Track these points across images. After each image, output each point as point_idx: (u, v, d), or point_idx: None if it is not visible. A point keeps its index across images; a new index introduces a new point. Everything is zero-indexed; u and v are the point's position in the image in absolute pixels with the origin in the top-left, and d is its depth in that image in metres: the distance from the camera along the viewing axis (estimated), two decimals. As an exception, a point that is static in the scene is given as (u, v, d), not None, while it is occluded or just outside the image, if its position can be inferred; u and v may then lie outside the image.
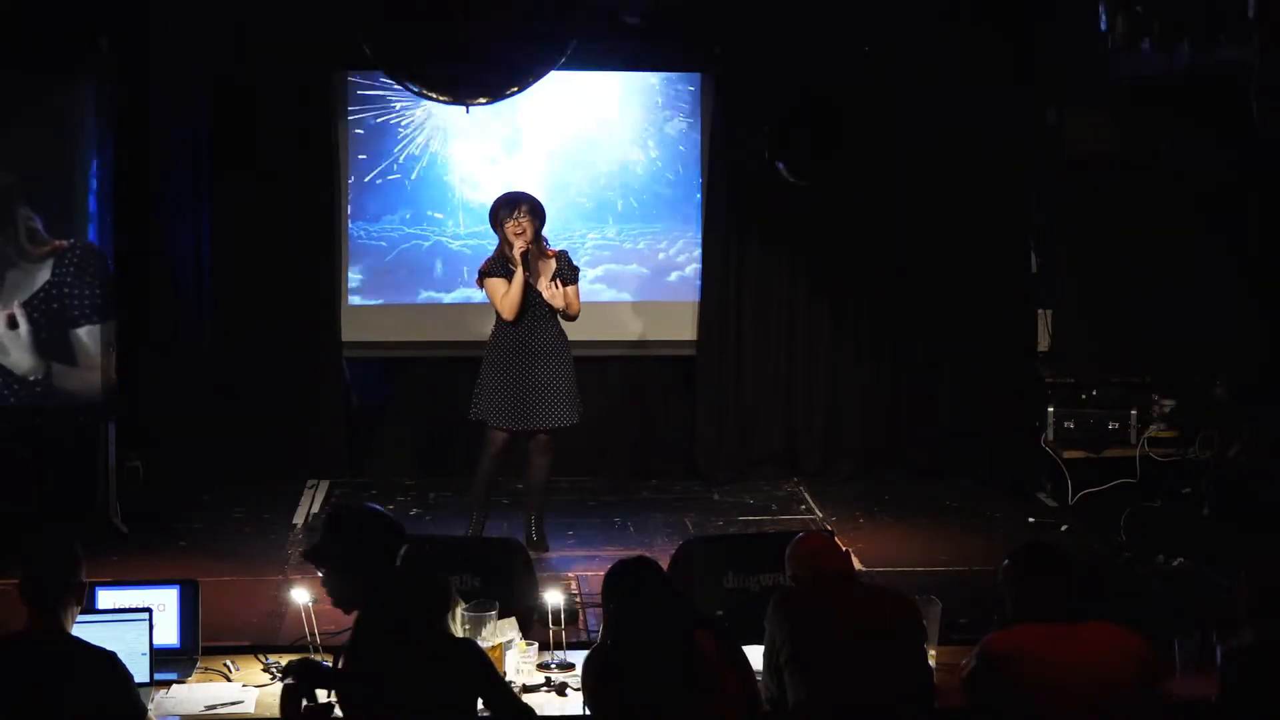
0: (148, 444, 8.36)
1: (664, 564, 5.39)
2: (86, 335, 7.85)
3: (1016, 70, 8.70)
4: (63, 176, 7.86)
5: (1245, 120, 6.24)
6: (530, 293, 7.47)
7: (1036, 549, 4.77)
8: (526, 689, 5.38)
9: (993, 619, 5.02)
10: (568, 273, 7.59)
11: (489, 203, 7.72)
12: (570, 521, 8.23)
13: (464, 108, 6.85)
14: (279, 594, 6.61)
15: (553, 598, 5.73)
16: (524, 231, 7.43)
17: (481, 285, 7.58)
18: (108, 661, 4.52)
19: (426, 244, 8.99)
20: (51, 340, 7.86)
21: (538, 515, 7.75)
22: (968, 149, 8.88)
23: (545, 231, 7.59)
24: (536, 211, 7.53)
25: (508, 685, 4.98)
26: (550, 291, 7.48)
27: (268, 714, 5.27)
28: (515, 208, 7.48)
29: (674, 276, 9.23)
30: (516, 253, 7.39)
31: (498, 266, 7.51)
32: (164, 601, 5.54)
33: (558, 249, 7.68)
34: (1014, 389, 8.96)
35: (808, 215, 9.06)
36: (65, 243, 7.84)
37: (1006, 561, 4.73)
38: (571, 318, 7.62)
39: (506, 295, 7.43)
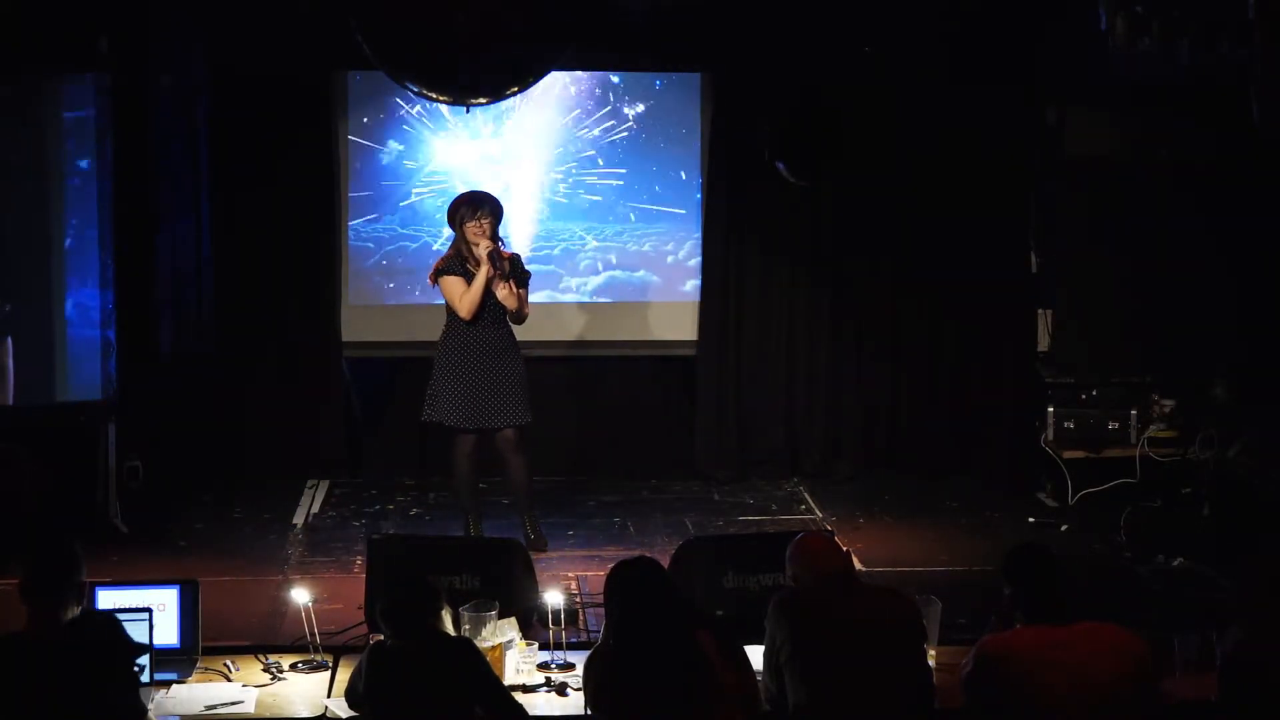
0: (148, 444, 8.35)
1: (664, 564, 5.39)
2: None
3: (1016, 70, 8.70)
4: (62, 176, 7.87)
5: (1245, 120, 6.24)
6: (485, 294, 7.47)
7: (1028, 551, 4.78)
8: (526, 689, 5.39)
9: (990, 619, 5.03)
10: (520, 275, 7.59)
11: (489, 203, 7.71)
12: (570, 521, 8.23)
13: (464, 107, 6.85)
14: (279, 594, 6.62)
15: (553, 598, 5.74)
16: (485, 232, 7.44)
17: (435, 283, 7.58)
18: (108, 661, 4.53)
19: (426, 244, 8.98)
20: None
21: (530, 514, 7.75)
22: (968, 149, 8.87)
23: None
24: (497, 212, 7.54)
25: (503, 686, 4.99)
26: (505, 292, 7.47)
27: (268, 714, 5.28)
28: (478, 208, 7.47)
29: (674, 277, 9.23)
30: (482, 253, 7.39)
31: (454, 265, 7.50)
32: (164, 601, 5.55)
33: (511, 252, 7.67)
34: (1014, 389, 8.96)
35: (808, 215, 9.05)
36: None
37: (1001, 565, 4.74)
38: (520, 320, 7.62)
39: (467, 294, 7.42)
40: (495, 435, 7.60)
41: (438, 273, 7.55)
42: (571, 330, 9.16)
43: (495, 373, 7.52)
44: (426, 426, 7.81)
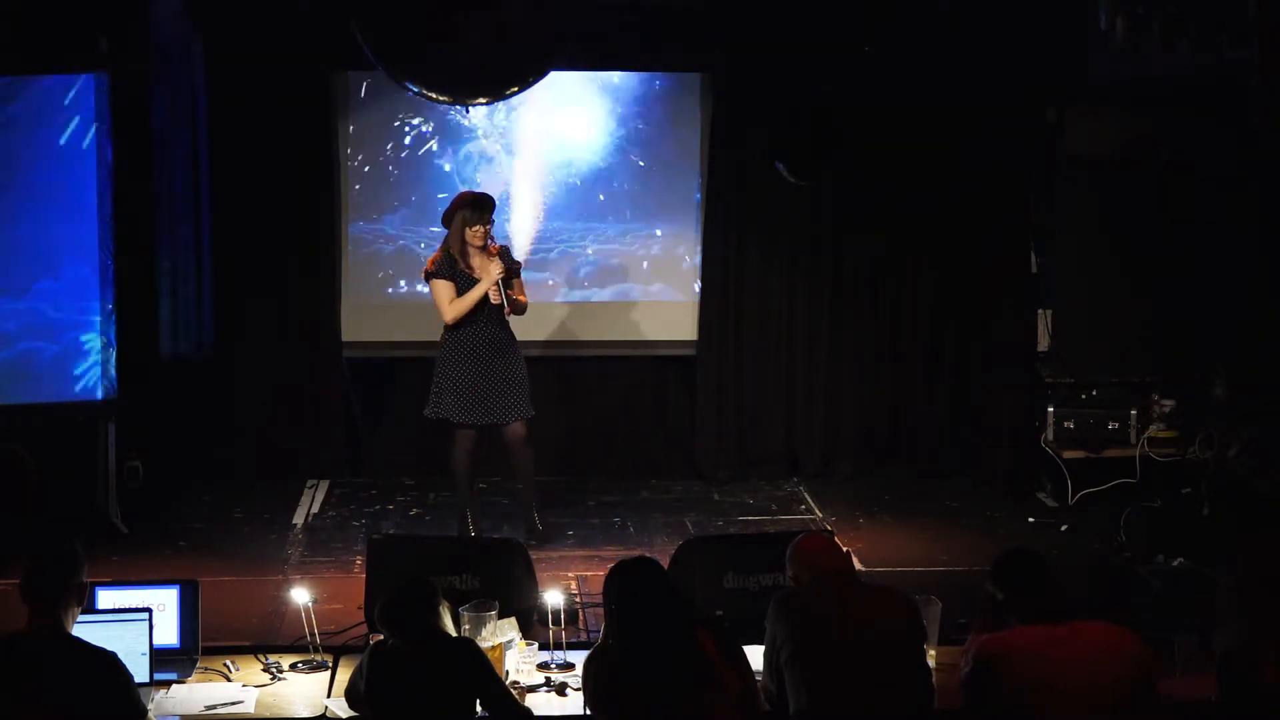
0: (148, 444, 8.35)
1: (664, 564, 5.39)
2: None
3: (1016, 70, 8.70)
4: (61, 176, 7.87)
5: (1245, 120, 6.25)
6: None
7: (1017, 556, 4.79)
8: (526, 689, 5.39)
9: (971, 622, 5.03)
10: (513, 267, 7.59)
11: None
12: (570, 521, 8.24)
13: (464, 107, 6.85)
14: (279, 594, 6.62)
15: (553, 598, 5.74)
16: (486, 237, 7.46)
17: (428, 283, 7.58)
18: (108, 661, 4.53)
19: (426, 243, 8.98)
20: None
21: (536, 504, 7.83)
22: (967, 148, 8.87)
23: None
24: (494, 213, 7.57)
25: (505, 685, 4.99)
26: (498, 299, 7.48)
27: (268, 714, 5.28)
28: (482, 212, 7.48)
29: (674, 277, 9.23)
30: (495, 274, 7.40)
31: (445, 268, 7.51)
32: (164, 601, 5.55)
33: (500, 244, 7.67)
34: (1014, 389, 8.95)
35: (808, 215, 9.05)
36: None
37: (990, 571, 4.75)
38: (521, 312, 7.63)
39: (457, 303, 7.45)
40: (504, 430, 7.61)
41: (428, 275, 7.55)
42: (571, 330, 9.16)
43: (498, 368, 7.54)
44: (426, 426, 7.81)
